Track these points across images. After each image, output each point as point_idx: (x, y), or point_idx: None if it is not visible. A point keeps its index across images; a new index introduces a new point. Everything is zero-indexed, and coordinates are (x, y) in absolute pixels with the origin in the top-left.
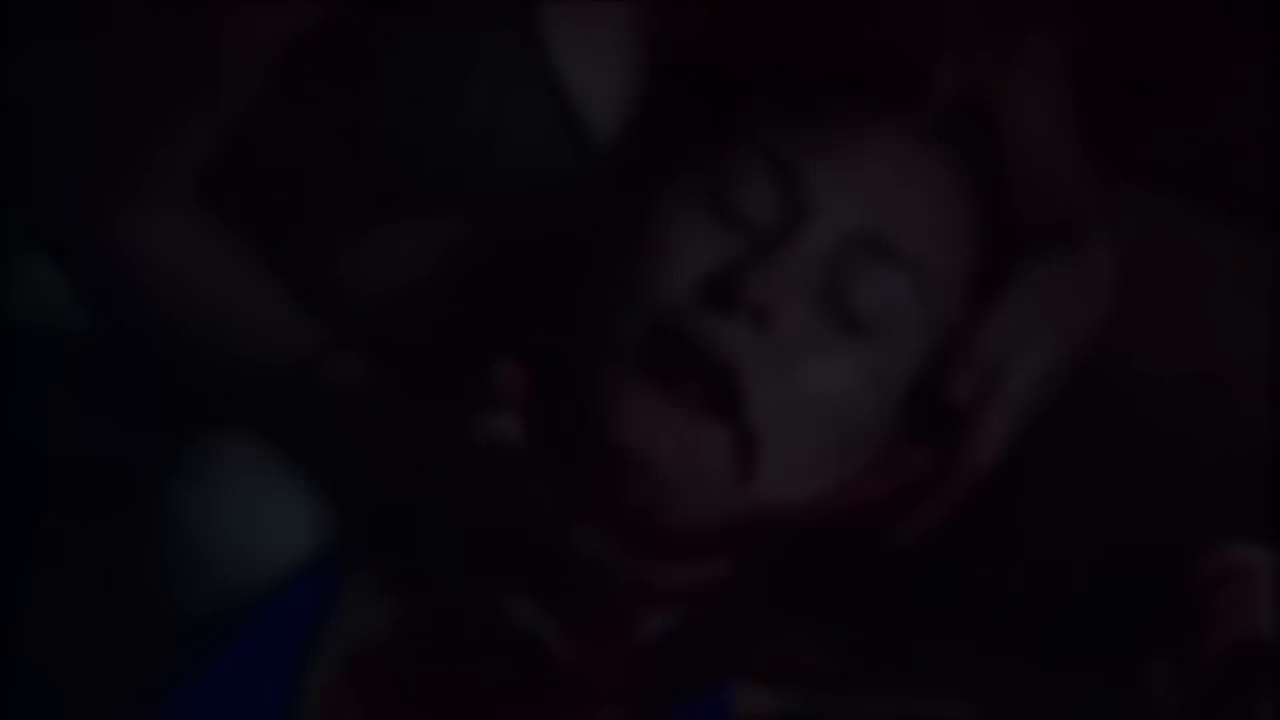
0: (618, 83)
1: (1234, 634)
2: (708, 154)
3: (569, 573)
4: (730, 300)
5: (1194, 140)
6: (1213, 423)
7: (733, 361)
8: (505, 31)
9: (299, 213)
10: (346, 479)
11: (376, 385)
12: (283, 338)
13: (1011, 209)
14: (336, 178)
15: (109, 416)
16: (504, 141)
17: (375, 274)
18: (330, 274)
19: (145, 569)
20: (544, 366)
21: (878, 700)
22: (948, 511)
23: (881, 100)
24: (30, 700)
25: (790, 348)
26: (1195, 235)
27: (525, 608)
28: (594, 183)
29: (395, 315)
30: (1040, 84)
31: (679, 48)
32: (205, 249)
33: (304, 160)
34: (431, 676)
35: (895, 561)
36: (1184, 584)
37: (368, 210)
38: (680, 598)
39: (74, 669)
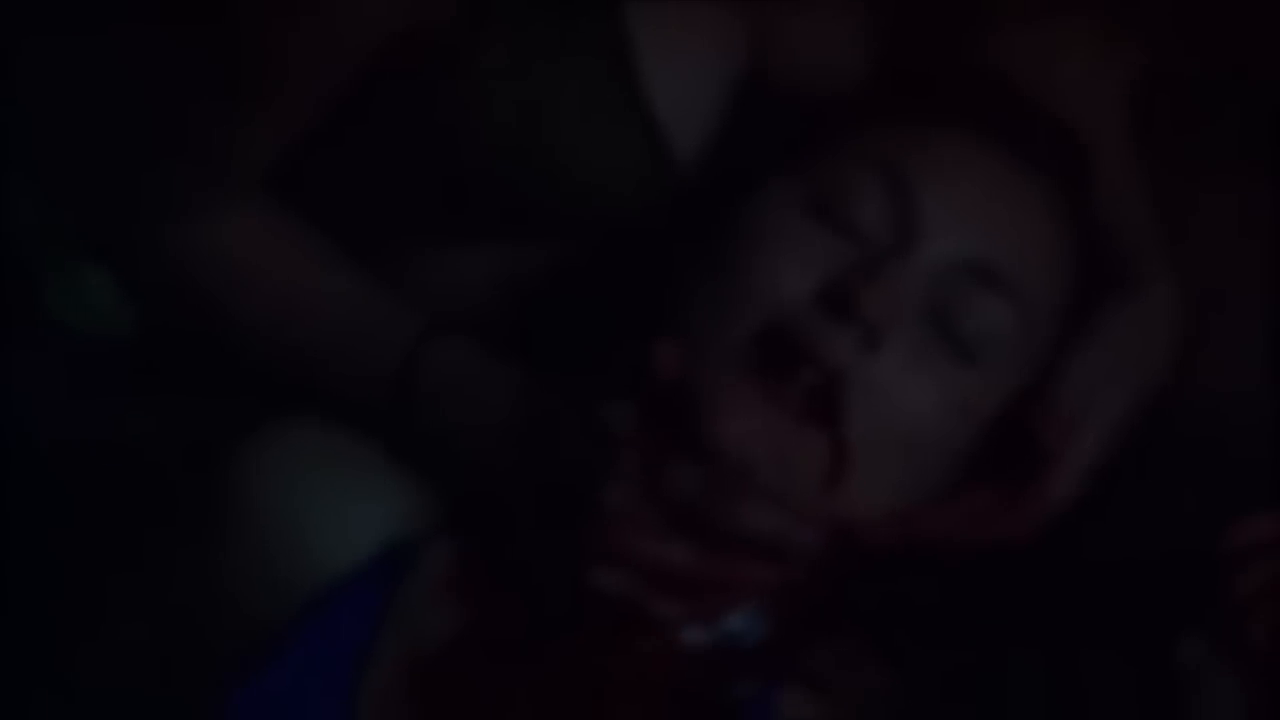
0: (708, 98)
1: None
2: (811, 157)
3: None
4: (846, 310)
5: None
6: (1245, 430)
7: (841, 370)
8: (592, 53)
9: (372, 226)
10: (455, 459)
11: (490, 366)
12: (384, 324)
13: (1096, 248)
14: (411, 194)
15: (159, 416)
16: (587, 164)
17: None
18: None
19: (207, 566)
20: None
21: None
22: (1005, 541)
23: (984, 123)
24: (94, 701)
25: (892, 364)
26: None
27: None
28: (682, 190)
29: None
30: (1119, 122)
31: (777, 61)
32: (290, 247)
33: (379, 176)
34: (486, 681)
35: (949, 572)
36: (1217, 556)
37: (442, 227)
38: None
39: (136, 669)
